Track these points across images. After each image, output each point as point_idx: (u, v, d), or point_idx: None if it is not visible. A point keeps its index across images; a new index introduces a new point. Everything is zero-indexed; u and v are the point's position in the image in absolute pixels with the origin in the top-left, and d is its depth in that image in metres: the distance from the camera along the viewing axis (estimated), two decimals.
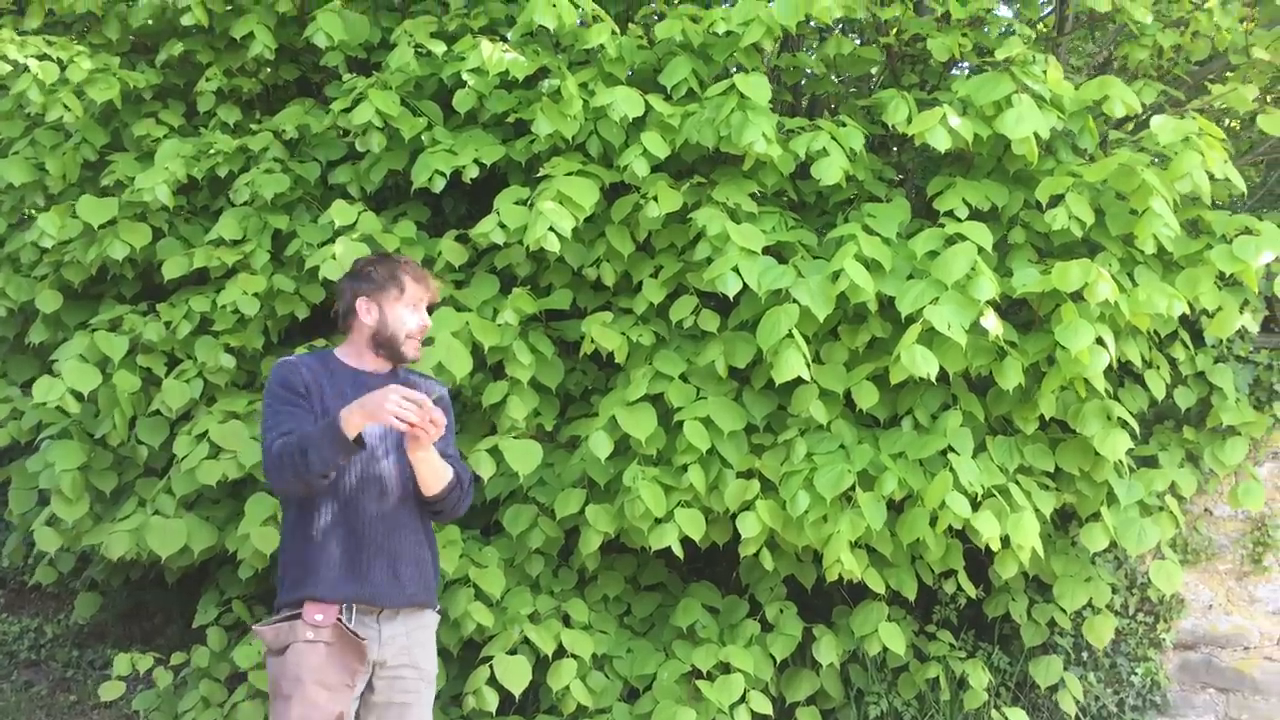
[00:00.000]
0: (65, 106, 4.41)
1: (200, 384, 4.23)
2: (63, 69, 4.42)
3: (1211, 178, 3.81)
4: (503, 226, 3.97)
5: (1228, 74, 4.81)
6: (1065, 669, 4.17)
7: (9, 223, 4.67)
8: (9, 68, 4.39)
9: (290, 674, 2.90)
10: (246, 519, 3.98)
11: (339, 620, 2.90)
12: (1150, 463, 4.17)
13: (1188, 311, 3.74)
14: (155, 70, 4.74)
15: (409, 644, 3.02)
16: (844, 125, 3.99)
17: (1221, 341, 4.23)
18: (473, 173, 4.13)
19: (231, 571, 4.36)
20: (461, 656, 4.09)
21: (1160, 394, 4.02)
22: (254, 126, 4.55)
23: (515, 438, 3.93)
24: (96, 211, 4.32)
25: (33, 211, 4.59)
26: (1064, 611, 4.11)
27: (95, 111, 4.68)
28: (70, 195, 4.57)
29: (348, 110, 4.26)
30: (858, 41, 4.40)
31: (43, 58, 4.42)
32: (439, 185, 4.13)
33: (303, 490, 2.90)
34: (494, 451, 3.88)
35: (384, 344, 3.14)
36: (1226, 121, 5.45)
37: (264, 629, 2.96)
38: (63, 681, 5.01)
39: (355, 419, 2.80)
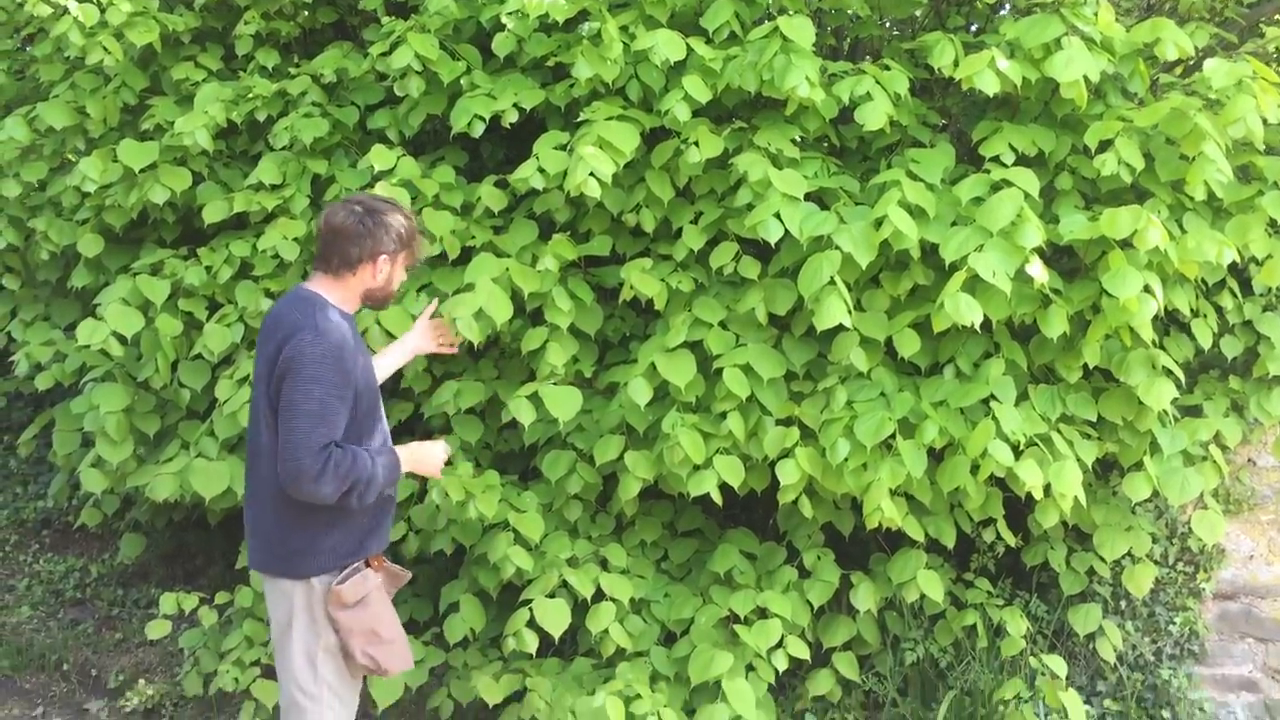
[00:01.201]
0: (105, 49, 4.41)
1: (241, 328, 4.26)
2: (102, 12, 4.43)
3: (1265, 123, 3.73)
4: (542, 172, 3.95)
5: None
6: (1103, 617, 4.16)
7: (50, 167, 4.69)
8: (49, 10, 4.40)
9: (387, 616, 3.15)
10: None
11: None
12: (1195, 412, 4.12)
13: (1237, 259, 3.68)
14: (194, 14, 4.73)
15: None
16: (888, 69, 3.92)
17: (1270, 290, 4.16)
18: (512, 117, 4.11)
19: None
20: (500, 599, 4.14)
21: (1207, 343, 3.96)
22: (292, 70, 4.54)
23: (554, 384, 3.93)
24: (137, 155, 4.32)
25: (73, 156, 4.61)
26: (1103, 560, 4.09)
27: (134, 55, 4.68)
28: (110, 139, 4.59)
29: (386, 54, 4.24)
30: None
31: (83, 0, 4.41)
32: (478, 130, 4.11)
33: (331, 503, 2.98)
34: (533, 398, 3.89)
35: (376, 298, 3.21)
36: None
37: (344, 586, 3.05)
38: (108, 620, 5.10)
39: (411, 464, 3.24)
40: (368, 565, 3.14)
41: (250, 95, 4.42)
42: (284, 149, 4.39)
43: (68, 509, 5.51)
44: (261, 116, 4.43)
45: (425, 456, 3.28)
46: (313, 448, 2.88)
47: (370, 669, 3.12)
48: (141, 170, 4.32)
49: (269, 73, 4.64)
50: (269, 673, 4.16)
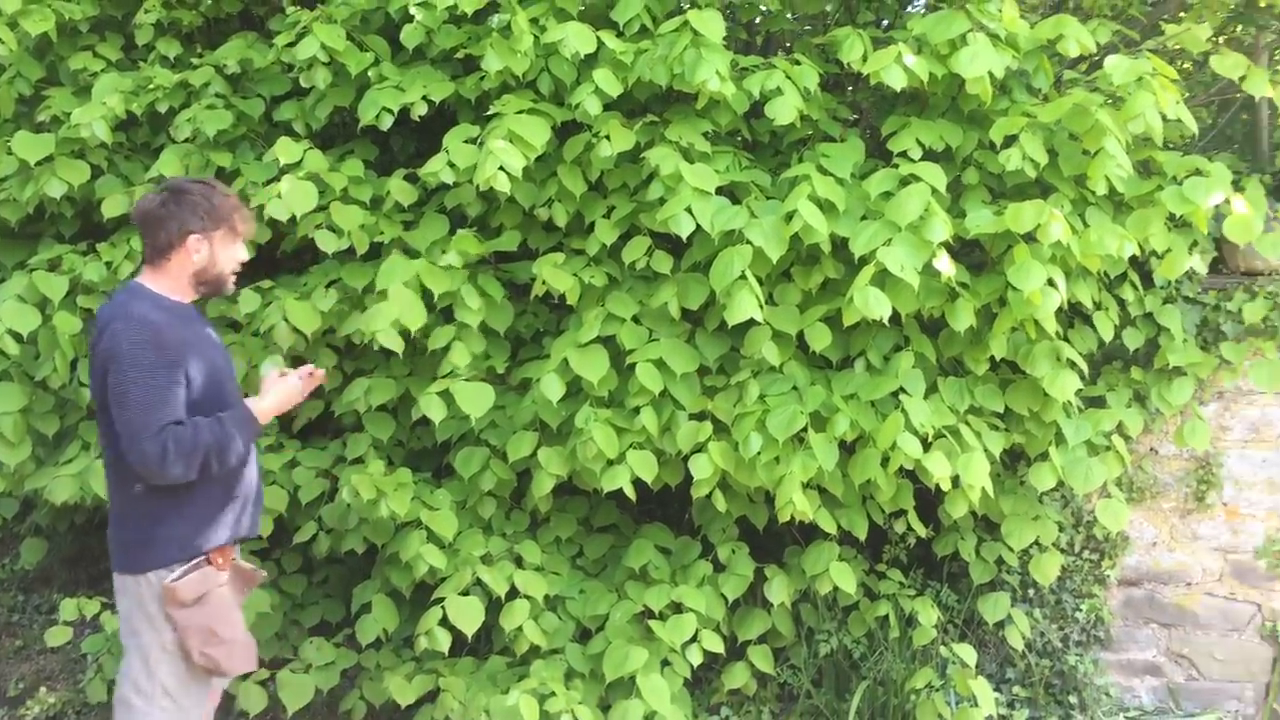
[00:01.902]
0: None
1: None
2: None
3: (1164, 118, 3.81)
4: (452, 165, 3.90)
5: (1181, 14, 4.80)
6: (1012, 606, 4.23)
7: None
8: None
9: (229, 615, 3.02)
10: None
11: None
12: (1098, 403, 4.20)
13: (1138, 253, 3.76)
14: (92, 2, 4.58)
15: None
16: (798, 64, 3.94)
17: (1170, 283, 4.26)
18: (421, 110, 4.05)
19: None
20: (414, 599, 4.08)
21: (1109, 335, 4.04)
22: (195, 61, 4.44)
23: (466, 380, 3.89)
24: (32, 148, 4.19)
25: None
26: (1011, 550, 4.16)
27: (30, 44, 4.54)
28: (4, 131, 4.44)
29: (292, 45, 4.16)
30: None
31: None
32: (386, 123, 4.05)
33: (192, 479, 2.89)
34: (445, 394, 3.85)
35: (208, 281, 3.09)
36: (1179, 62, 5.45)
37: (180, 583, 2.92)
38: (8, 626, 4.95)
39: (270, 412, 3.09)
40: (210, 561, 2.99)
41: (151, 86, 4.30)
42: (186, 141, 4.28)
43: None
44: (163, 108, 4.31)
45: (281, 393, 3.13)
46: (149, 431, 2.80)
47: (209, 670, 2.99)
48: (37, 163, 4.18)
49: (171, 63, 4.52)
50: None
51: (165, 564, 2.93)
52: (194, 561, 2.96)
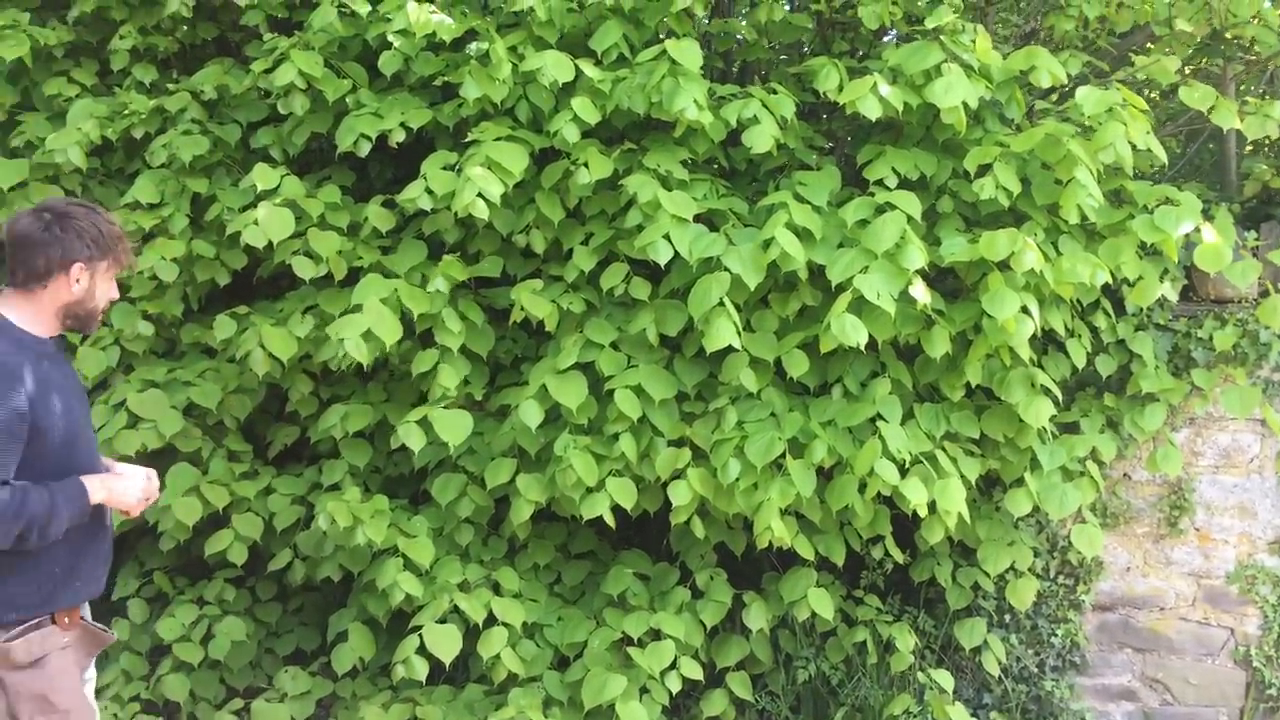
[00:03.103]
0: None
1: (117, 351, 4.15)
2: None
3: (1134, 148, 3.86)
4: (430, 192, 3.90)
5: (1150, 46, 4.88)
6: (988, 631, 4.25)
7: None
8: None
9: (68, 683, 2.71)
10: (168, 490, 3.91)
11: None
12: (1072, 429, 4.24)
13: (1110, 280, 3.80)
14: (67, 27, 4.58)
15: None
16: (775, 93, 3.97)
17: (1142, 310, 4.31)
18: (399, 136, 4.06)
19: (151, 544, 4.27)
20: (390, 627, 4.06)
21: (1082, 362, 4.08)
22: (171, 86, 4.43)
23: (445, 407, 3.88)
24: (6, 173, 4.18)
25: None
26: (987, 575, 4.18)
27: (4, 69, 4.51)
28: None
29: (269, 71, 4.16)
30: (789, 8, 4.38)
31: None
32: (364, 149, 4.05)
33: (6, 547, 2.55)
34: (423, 422, 3.83)
35: (79, 316, 2.75)
36: (1148, 93, 5.53)
37: (14, 644, 2.61)
38: None
39: (99, 498, 2.70)
40: (54, 622, 2.68)
41: (127, 112, 4.29)
42: (162, 167, 4.27)
43: None
44: (139, 134, 4.31)
45: (119, 488, 2.75)
46: None
47: None
48: (11, 189, 4.16)
49: (146, 89, 4.51)
50: (149, 707, 4.03)
51: (6, 624, 2.61)
52: (33, 622, 2.65)
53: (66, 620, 2.71)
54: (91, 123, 4.21)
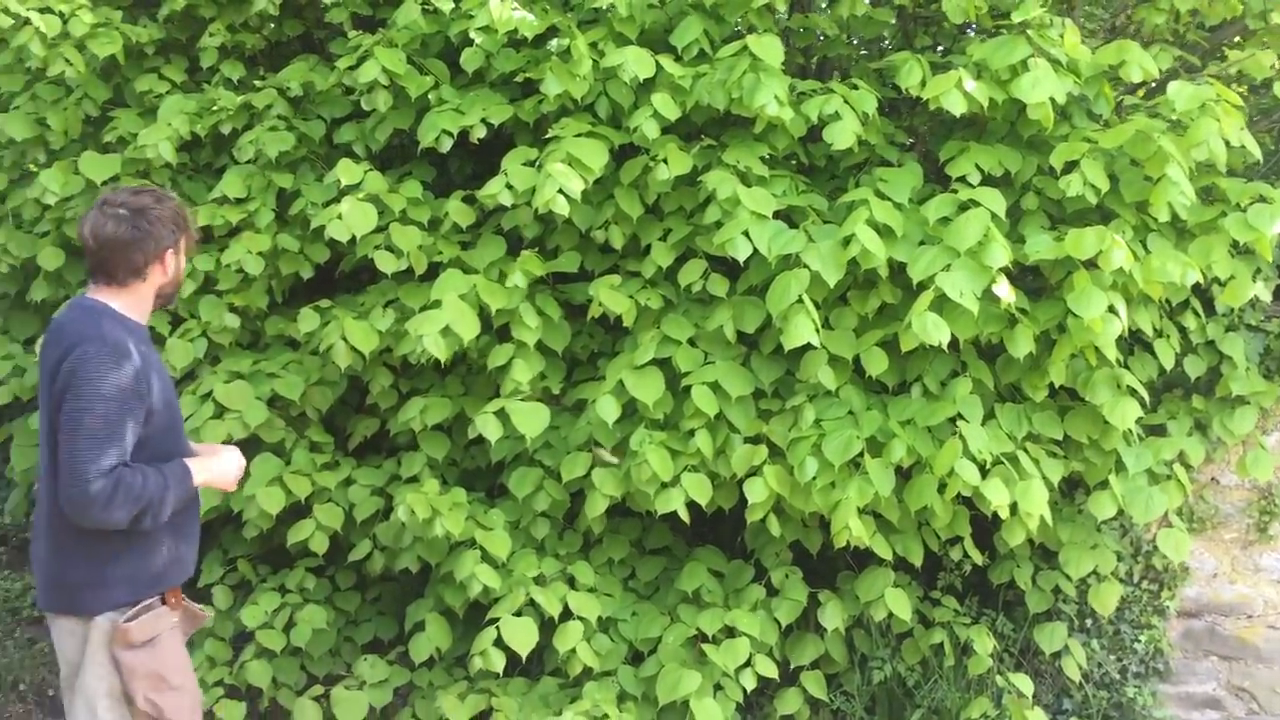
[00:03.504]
0: (67, 61, 4.36)
1: (204, 343, 4.23)
2: (64, 22, 4.37)
3: (1227, 145, 3.77)
4: (510, 188, 3.93)
5: (1243, 40, 4.75)
6: (1069, 635, 4.18)
7: (10, 179, 4.62)
8: (10, 21, 4.33)
9: (178, 661, 2.86)
10: (252, 479, 3.98)
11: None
12: (1159, 431, 4.15)
13: (1200, 280, 3.71)
14: (158, 25, 4.68)
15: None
16: (856, 88, 3.94)
17: (1233, 310, 4.21)
18: (480, 133, 4.09)
19: (235, 532, 4.36)
20: (466, 618, 4.10)
21: (1170, 363, 3.99)
22: (258, 83, 4.51)
23: (521, 400, 3.91)
24: (99, 168, 4.28)
25: (34, 167, 4.55)
26: (1069, 579, 4.11)
27: (97, 66, 4.62)
28: (72, 151, 4.53)
29: (353, 68, 4.22)
30: (870, 2, 4.34)
31: (44, 10, 4.36)
32: (445, 145, 4.09)
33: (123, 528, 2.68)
34: (500, 414, 3.87)
35: (169, 295, 2.93)
36: (1235, 86, 5.39)
37: (132, 624, 2.74)
38: None
39: (201, 480, 2.85)
40: (164, 602, 2.83)
41: (215, 108, 4.38)
42: (249, 162, 4.35)
43: (24, 525, 5.41)
44: (226, 129, 4.40)
45: (218, 469, 2.91)
46: (100, 471, 2.57)
47: (153, 718, 2.78)
48: (103, 183, 4.26)
49: (234, 85, 4.60)
50: (233, 693, 4.10)
51: (121, 604, 2.74)
52: (146, 602, 2.78)
53: (173, 600, 2.85)
54: (181, 118, 4.30)
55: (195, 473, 2.83)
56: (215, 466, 2.92)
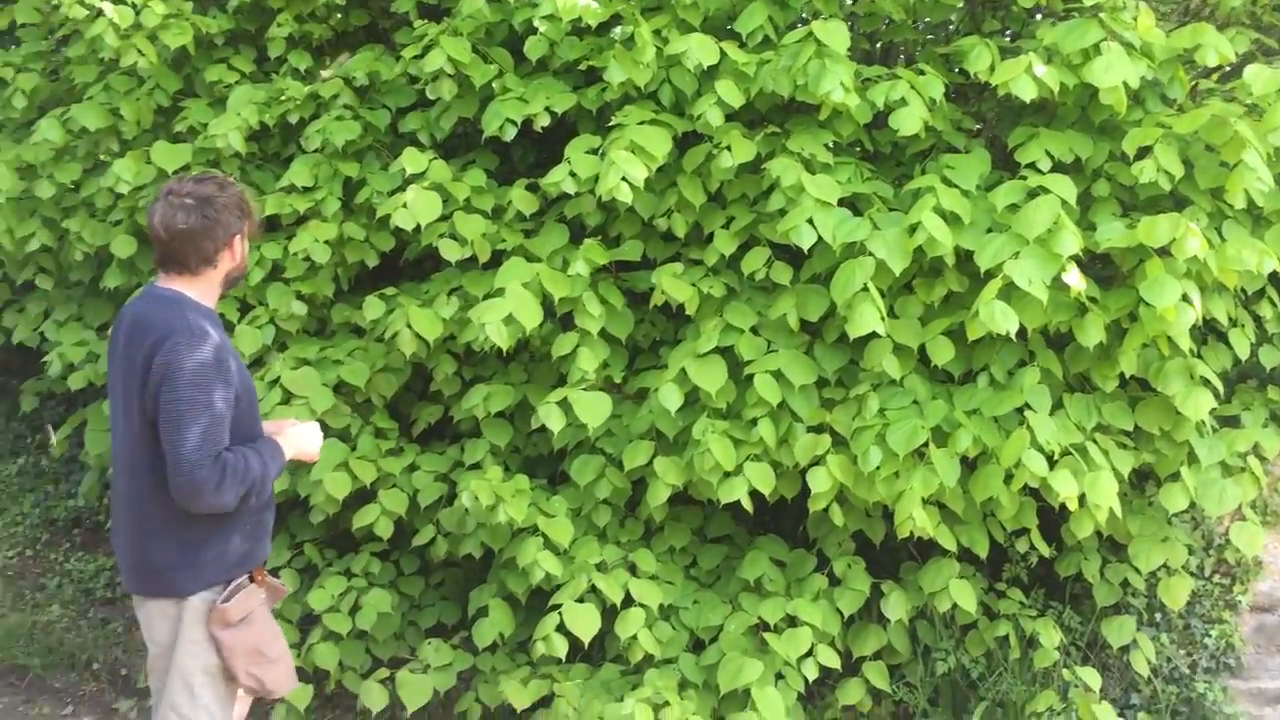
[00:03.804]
0: (139, 52, 4.45)
1: (272, 330, 4.29)
2: (137, 14, 4.45)
3: None
4: (574, 176, 3.94)
5: None
6: (1138, 629, 4.11)
7: (84, 168, 4.72)
8: (84, 12, 4.41)
9: (272, 634, 2.99)
10: (319, 464, 4.03)
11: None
12: (1232, 423, 4.07)
13: (1277, 268, 3.63)
14: (227, 16, 4.75)
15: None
16: (923, 74, 3.89)
17: None
18: (544, 121, 4.10)
19: (302, 516, 4.42)
20: (529, 604, 4.12)
21: (1245, 353, 3.91)
22: (324, 73, 4.55)
23: (584, 389, 3.92)
24: (171, 157, 4.36)
25: (106, 157, 4.63)
26: (1138, 572, 4.04)
27: (168, 57, 4.71)
28: (144, 141, 4.62)
29: (418, 57, 4.25)
30: None
31: (118, 2, 4.44)
32: (510, 133, 4.11)
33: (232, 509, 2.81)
34: (563, 403, 3.88)
35: (234, 281, 3.02)
36: None
37: (229, 604, 2.87)
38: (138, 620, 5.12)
39: (289, 455, 3.02)
40: (251, 580, 2.96)
41: (283, 98, 4.44)
42: (316, 151, 4.40)
43: (98, 508, 5.54)
44: (294, 119, 4.45)
45: (303, 442, 3.08)
46: (205, 458, 2.68)
47: (254, 690, 2.94)
48: (175, 172, 4.33)
49: (301, 75, 4.65)
50: (299, 674, 4.15)
51: (213, 584, 2.87)
52: (237, 581, 2.91)
53: (259, 578, 2.98)
54: (250, 108, 4.36)
55: (285, 448, 2.98)
56: (299, 440, 3.08)
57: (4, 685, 4.73)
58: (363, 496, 4.19)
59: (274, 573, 4.36)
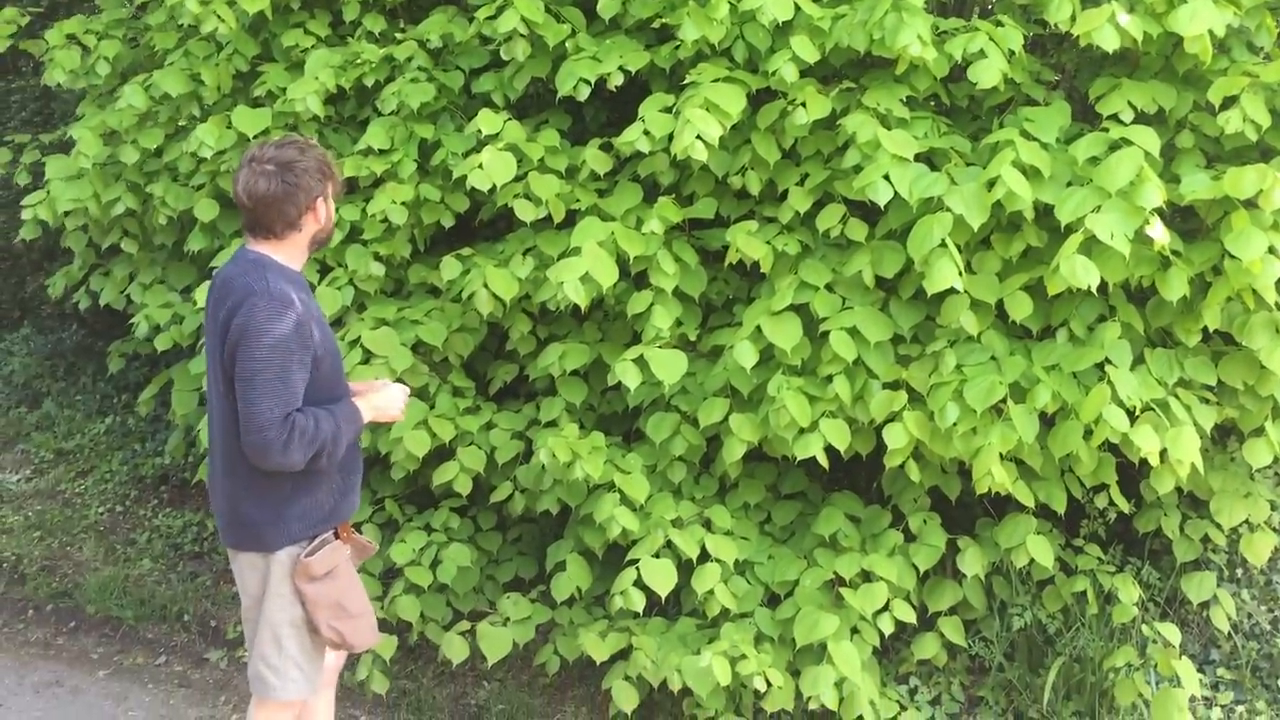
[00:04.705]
0: (219, 17, 4.50)
1: (351, 291, 4.36)
2: None
3: None
4: (648, 134, 3.95)
5: None
6: (1218, 585, 4.08)
7: (166, 133, 4.81)
8: None
9: (355, 589, 3.06)
10: (398, 423, 4.10)
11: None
12: None
13: None
14: None
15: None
16: (1001, 25, 3.83)
17: None
18: (617, 80, 4.11)
19: (382, 472, 4.52)
20: (605, 559, 4.18)
21: None
22: (399, 35, 4.60)
23: (660, 347, 3.95)
24: (251, 122, 4.43)
25: (188, 123, 4.72)
26: (1219, 528, 4.01)
27: (246, 22, 4.77)
28: (224, 106, 4.69)
29: (491, 18, 4.26)
30: None
31: None
32: (584, 93, 4.12)
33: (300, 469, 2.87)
34: (639, 361, 3.91)
35: (321, 242, 3.05)
36: None
37: (313, 559, 2.96)
38: (226, 573, 5.26)
39: (369, 417, 3.06)
40: (336, 536, 3.04)
41: (358, 61, 4.48)
42: (392, 114, 4.45)
43: (184, 465, 5.70)
44: (369, 82, 4.50)
45: (385, 403, 3.13)
46: (276, 418, 2.75)
47: (335, 644, 3.03)
48: (255, 136, 4.41)
49: (376, 38, 4.70)
50: (382, 625, 4.27)
51: (299, 539, 2.96)
52: (323, 536, 3.00)
53: (344, 534, 3.05)
54: (327, 72, 4.42)
55: (365, 411, 3.03)
56: (380, 401, 3.12)
57: (100, 636, 4.90)
58: (441, 454, 4.26)
59: (356, 528, 4.46)
